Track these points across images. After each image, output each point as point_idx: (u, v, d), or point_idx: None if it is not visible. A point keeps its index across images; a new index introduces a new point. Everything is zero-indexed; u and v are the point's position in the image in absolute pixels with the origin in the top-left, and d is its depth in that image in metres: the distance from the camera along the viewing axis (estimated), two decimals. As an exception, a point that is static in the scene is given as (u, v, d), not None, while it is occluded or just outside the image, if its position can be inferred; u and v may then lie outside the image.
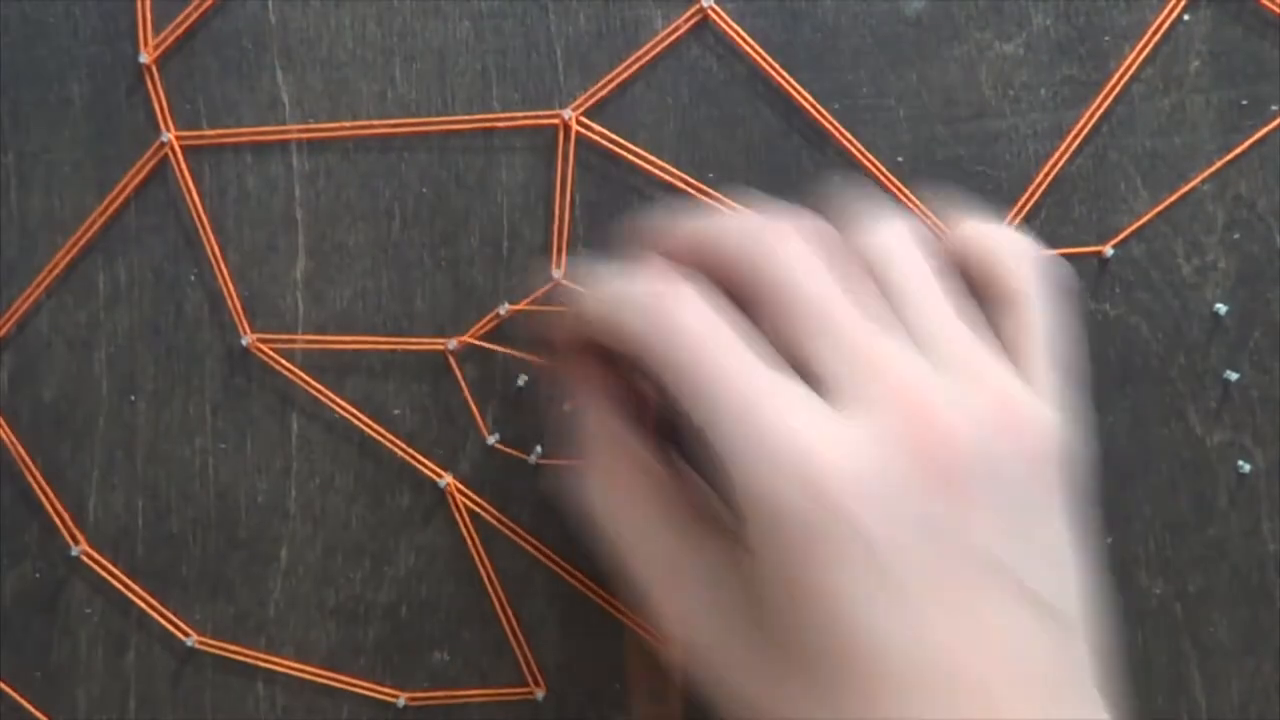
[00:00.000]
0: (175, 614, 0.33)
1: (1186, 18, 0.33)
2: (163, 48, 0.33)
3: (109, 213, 0.33)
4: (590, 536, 0.28)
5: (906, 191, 0.33)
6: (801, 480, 0.24)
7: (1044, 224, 0.33)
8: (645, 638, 0.32)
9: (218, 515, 0.33)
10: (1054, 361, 0.27)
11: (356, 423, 0.33)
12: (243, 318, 0.33)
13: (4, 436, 0.33)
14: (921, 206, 0.33)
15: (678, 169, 0.33)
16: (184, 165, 0.33)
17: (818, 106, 0.33)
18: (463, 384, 0.33)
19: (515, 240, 0.33)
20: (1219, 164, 0.33)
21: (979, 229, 0.29)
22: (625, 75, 0.33)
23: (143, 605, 0.33)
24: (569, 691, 0.33)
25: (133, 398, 0.33)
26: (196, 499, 0.33)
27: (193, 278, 0.33)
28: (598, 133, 0.33)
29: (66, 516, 0.33)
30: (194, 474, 0.33)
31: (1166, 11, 0.33)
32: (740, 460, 0.25)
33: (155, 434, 0.33)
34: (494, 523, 0.33)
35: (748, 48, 0.33)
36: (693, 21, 0.33)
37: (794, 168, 0.33)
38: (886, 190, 0.33)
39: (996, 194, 0.33)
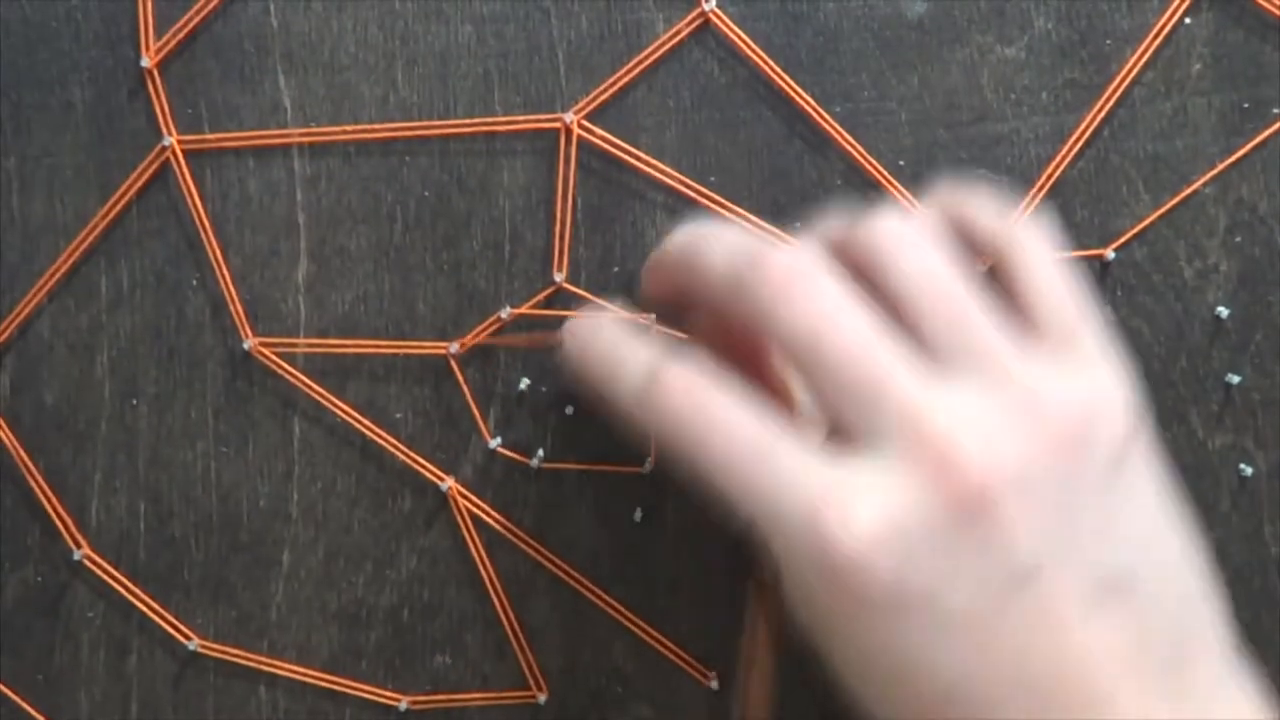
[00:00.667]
0: (177, 618, 0.33)
1: (1188, 21, 0.33)
2: (164, 51, 0.33)
3: (111, 217, 0.33)
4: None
5: (908, 195, 0.33)
6: (820, 544, 0.24)
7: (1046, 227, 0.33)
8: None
9: (220, 519, 0.33)
10: (1072, 314, 0.27)
11: (358, 426, 0.33)
12: (244, 321, 0.33)
13: (6, 440, 0.33)
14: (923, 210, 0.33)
15: (679, 172, 0.33)
16: (185, 169, 0.33)
17: (819, 110, 0.33)
18: (464, 387, 0.33)
19: (517, 243, 0.33)
20: (1220, 167, 0.33)
21: (952, 198, 0.29)
22: (627, 79, 0.33)
23: (144, 609, 0.33)
24: (570, 695, 0.33)
25: (134, 402, 0.33)
26: (198, 503, 0.33)
27: (194, 282, 0.33)
28: (599, 136, 0.33)
29: (68, 520, 0.33)
30: (196, 478, 0.33)
31: (1168, 15, 0.33)
32: (760, 521, 0.25)
33: (157, 438, 0.33)
34: (496, 526, 0.33)
35: (749, 51, 0.33)
36: (694, 25, 0.33)
37: (795, 171, 0.33)
38: (888, 194, 0.33)
39: (998, 198, 0.33)
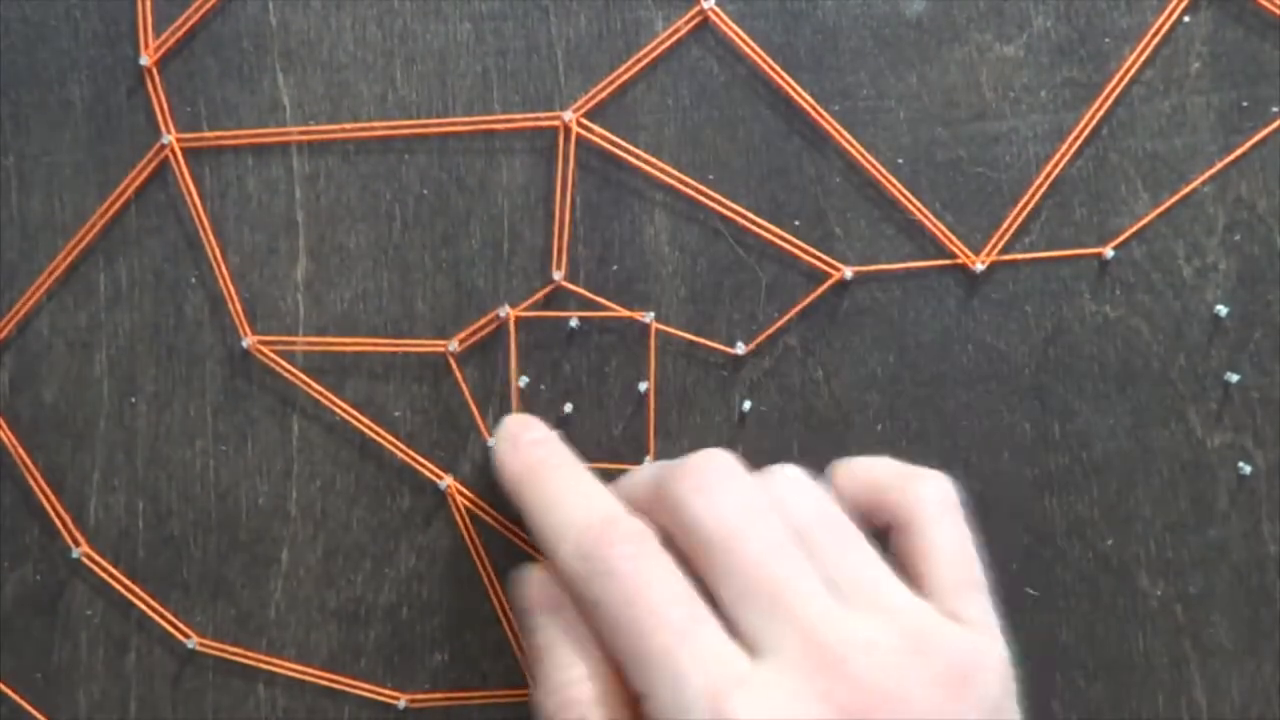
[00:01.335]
0: (176, 616, 0.33)
1: (1187, 19, 0.33)
2: (163, 50, 0.33)
3: (109, 215, 0.33)
4: None
5: (906, 193, 0.33)
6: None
7: (1044, 226, 0.33)
8: None
9: (218, 517, 0.33)
10: (961, 577, 0.28)
11: (357, 424, 0.33)
12: (243, 320, 0.33)
13: (5, 438, 0.33)
14: (921, 208, 0.33)
15: (678, 170, 0.33)
16: (184, 167, 0.33)
17: (818, 108, 0.33)
18: (463, 385, 0.33)
19: (516, 242, 0.33)
20: (1219, 165, 0.33)
21: (858, 464, 0.30)
22: (626, 77, 0.33)
23: (143, 607, 0.33)
24: (570, 693, 0.33)
25: (133, 400, 0.33)
26: (197, 501, 0.33)
27: (193, 280, 0.33)
28: (598, 134, 0.33)
29: (67, 519, 0.33)
30: (195, 476, 0.33)
31: (1167, 13, 0.33)
32: (660, 704, 0.25)
33: (156, 436, 0.33)
34: (494, 524, 0.33)
35: (748, 49, 0.33)
36: (693, 23, 0.33)
37: (794, 169, 0.33)
38: (887, 192, 0.33)
39: (996, 196, 0.33)
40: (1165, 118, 0.33)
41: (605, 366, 0.33)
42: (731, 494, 0.27)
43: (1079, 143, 0.33)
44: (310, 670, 0.33)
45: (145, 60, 0.33)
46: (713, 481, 0.27)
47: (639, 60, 0.33)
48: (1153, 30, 0.33)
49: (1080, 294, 0.33)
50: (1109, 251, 0.33)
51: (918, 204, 0.33)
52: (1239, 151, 0.33)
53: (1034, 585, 0.33)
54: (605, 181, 0.33)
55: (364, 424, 0.33)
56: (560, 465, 0.30)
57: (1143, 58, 0.33)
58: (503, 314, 0.33)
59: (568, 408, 0.33)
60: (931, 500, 0.29)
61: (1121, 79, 0.33)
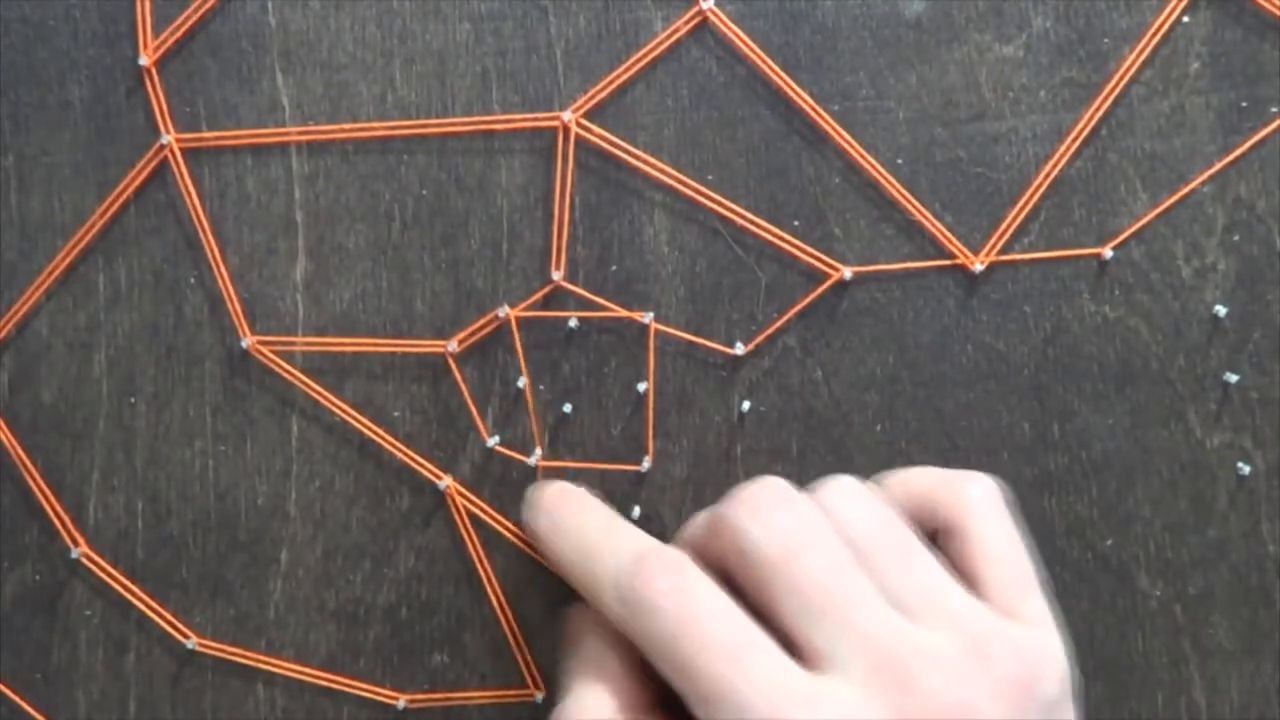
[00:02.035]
0: (175, 616, 0.33)
1: (1186, 19, 0.33)
2: (162, 50, 0.33)
3: (109, 215, 0.33)
4: None
5: (906, 193, 0.33)
6: None
7: (1043, 226, 0.33)
8: None
9: (218, 517, 0.33)
10: (1015, 575, 0.28)
11: (356, 425, 0.33)
12: (242, 320, 0.33)
13: (4, 438, 0.33)
14: (920, 208, 0.33)
15: (677, 170, 0.33)
16: (184, 167, 0.33)
17: (817, 108, 0.33)
18: (462, 386, 0.33)
19: (515, 242, 0.33)
20: (1218, 166, 0.33)
21: (903, 474, 0.31)
22: (625, 77, 0.33)
23: (143, 607, 0.33)
24: (569, 693, 0.33)
25: (132, 400, 0.33)
26: (196, 501, 0.33)
27: (192, 280, 0.33)
28: (597, 135, 0.33)
29: (66, 519, 0.33)
30: (194, 476, 0.33)
31: (1166, 13, 0.33)
32: (726, 701, 0.25)
33: (155, 436, 0.33)
34: (494, 525, 0.33)
35: (747, 50, 0.33)
36: (692, 23, 0.33)
37: (793, 169, 0.33)
38: (886, 192, 0.33)
39: (996, 196, 0.33)
40: (1164, 118, 0.33)
41: (604, 366, 0.33)
42: (786, 515, 0.27)
43: (1078, 143, 0.33)
44: (309, 670, 0.33)
45: (144, 60, 0.33)
46: (766, 505, 0.27)
47: (638, 60, 0.33)
48: (1152, 30, 0.33)
49: (1079, 294, 0.33)
50: (1108, 252, 0.33)
51: (917, 204, 0.33)
52: (1238, 152, 0.33)
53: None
54: (604, 181, 0.33)
55: (363, 424, 0.33)
56: (588, 515, 0.30)
57: (1142, 58, 0.33)
58: (502, 314, 0.33)
59: (567, 408, 0.33)
60: (979, 501, 0.29)
61: (1121, 79, 0.33)
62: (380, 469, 0.33)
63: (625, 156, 0.33)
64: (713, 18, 0.33)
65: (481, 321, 0.33)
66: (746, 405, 0.33)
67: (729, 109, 0.33)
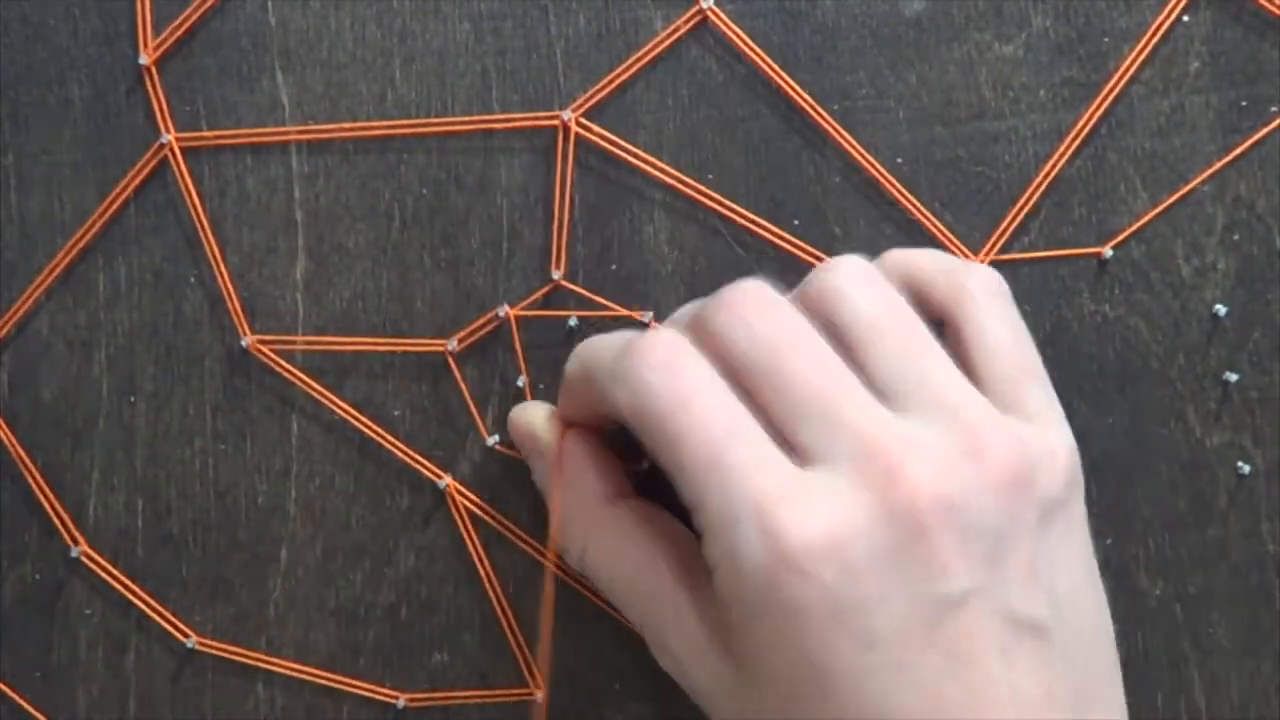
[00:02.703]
0: (175, 615, 0.33)
1: (1186, 19, 0.33)
2: (162, 49, 0.33)
3: (109, 214, 0.33)
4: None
5: (906, 192, 0.33)
6: (766, 540, 0.24)
7: (1043, 225, 0.33)
8: None
9: (217, 516, 0.33)
10: (1017, 366, 0.28)
11: (356, 424, 0.33)
12: (242, 319, 0.33)
13: (4, 437, 0.33)
14: (920, 207, 0.33)
15: (677, 170, 0.33)
16: (184, 166, 0.33)
17: (817, 107, 0.33)
18: (462, 385, 0.33)
19: (515, 241, 0.33)
20: (1218, 165, 0.33)
21: (903, 255, 0.29)
22: (625, 76, 0.33)
23: (142, 606, 0.33)
24: (568, 692, 0.33)
25: (132, 399, 0.33)
26: (196, 500, 0.33)
27: (192, 279, 0.33)
28: (597, 134, 0.33)
29: (66, 518, 0.33)
30: (194, 475, 0.33)
31: (1166, 13, 0.33)
32: (709, 514, 0.25)
33: (155, 435, 0.33)
34: (494, 524, 0.33)
35: (747, 49, 0.33)
36: (692, 23, 0.33)
37: (793, 168, 0.33)
38: (886, 191, 0.33)
39: (995, 195, 0.33)
40: (1164, 117, 0.33)
41: (604, 366, 0.33)
42: (769, 318, 0.26)
43: (1078, 142, 0.33)
44: (309, 669, 0.33)
45: (144, 59, 0.33)
46: (749, 308, 0.26)
47: (638, 60, 0.33)
48: (1152, 30, 0.33)
49: (1079, 293, 0.33)
50: (1108, 251, 0.33)
51: (917, 203, 0.33)
52: (1238, 151, 0.33)
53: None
54: (604, 181, 0.33)
55: (363, 423, 0.33)
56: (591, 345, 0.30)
57: (1142, 57, 0.33)
58: (502, 313, 0.33)
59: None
60: (980, 291, 0.28)
61: (1120, 78, 0.33)
62: (380, 468, 0.33)
63: (625, 156, 0.33)
64: (713, 17, 0.33)
65: (481, 321, 0.33)
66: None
67: (729, 108, 0.33)
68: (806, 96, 0.33)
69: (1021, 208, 0.33)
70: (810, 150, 0.33)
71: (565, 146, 0.33)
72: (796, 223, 0.33)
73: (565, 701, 0.33)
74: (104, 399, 0.33)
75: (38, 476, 0.33)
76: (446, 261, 0.33)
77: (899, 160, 0.33)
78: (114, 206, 0.33)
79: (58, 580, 0.33)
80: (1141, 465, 0.33)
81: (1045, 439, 0.27)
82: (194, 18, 0.33)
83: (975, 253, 0.33)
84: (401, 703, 0.33)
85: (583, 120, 0.33)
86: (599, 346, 0.29)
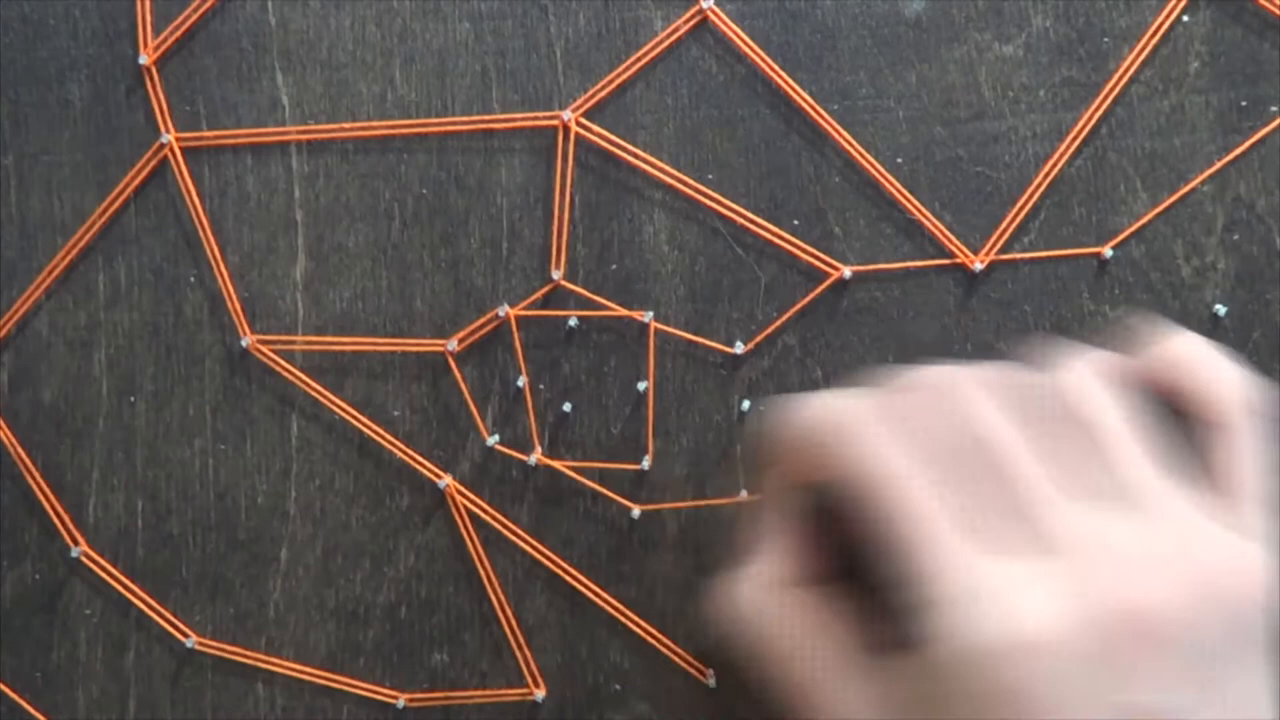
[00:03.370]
0: (175, 615, 0.33)
1: (1186, 19, 0.33)
2: (162, 49, 0.33)
3: (109, 214, 0.33)
4: (724, 639, 0.28)
5: (906, 192, 0.33)
6: (1003, 621, 0.24)
7: (1043, 225, 0.33)
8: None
9: (217, 516, 0.33)
10: (1263, 497, 0.27)
11: (356, 424, 0.33)
12: (242, 319, 0.33)
13: (4, 437, 0.33)
14: (920, 207, 0.33)
15: (677, 170, 0.33)
16: (184, 166, 0.33)
17: (817, 107, 0.33)
18: (462, 385, 0.33)
19: (515, 241, 0.33)
20: (1218, 165, 0.33)
21: (1186, 348, 0.29)
22: (625, 76, 0.33)
23: (142, 606, 0.33)
24: (568, 692, 0.33)
25: (132, 399, 0.33)
26: (196, 500, 0.33)
27: (192, 279, 0.33)
28: (597, 134, 0.33)
29: (66, 518, 0.33)
30: (194, 475, 0.33)
31: (1166, 13, 0.33)
32: (925, 588, 0.25)
33: (155, 435, 0.33)
34: (493, 524, 0.33)
35: (747, 49, 0.33)
36: (692, 23, 0.33)
37: (793, 168, 0.33)
38: (886, 191, 0.33)
39: (995, 195, 0.33)
40: (1164, 117, 0.33)
41: (604, 366, 0.33)
42: (980, 404, 0.26)
43: (1078, 142, 0.33)
44: (309, 669, 0.33)
45: (144, 59, 0.33)
46: (970, 400, 0.26)
47: (638, 60, 0.33)
48: (1152, 30, 0.33)
49: (1079, 293, 0.33)
50: (1108, 251, 0.33)
51: (916, 203, 0.33)
52: (1238, 151, 0.33)
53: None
54: (604, 181, 0.33)
55: (363, 423, 0.33)
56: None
57: (1142, 57, 0.33)
58: (502, 313, 0.33)
59: (566, 407, 0.33)
60: (1249, 411, 0.27)
61: (1120, 78, 0.33)
62: (380, 468, 0.33)
63: (625, 155, 0.33)
64: (713, 17, 0.33)
65: (481, 321, 0.33)
66: (746, 404, 0.33)
67: (729, 108, 0.33)
68: (806, 96, 0.33)
69: (1021, 208, 0.33)
70: (810, 150, 0.33)
71: (565, 146, 0.33)
72: (796, 223, 0.33)
73: (565, 701, 0.33)
74: (104, 399, 0.33)
75: (38, 476, 0.33)
76: (446, 261, 0.33)
77: (899, 160, 0.33)
78: (114, 206, 0.33)
79: (58, 580, 0.33)
80: (1141, 465, 0.33)
81: (1251, 557, 0.26)
82: (194, 18, 0.33)
83: (975, 252, 0.33)
84: (401, 702, 0.33)
85: (583, 120, 0.33)
86: (819, 424, 0.28)
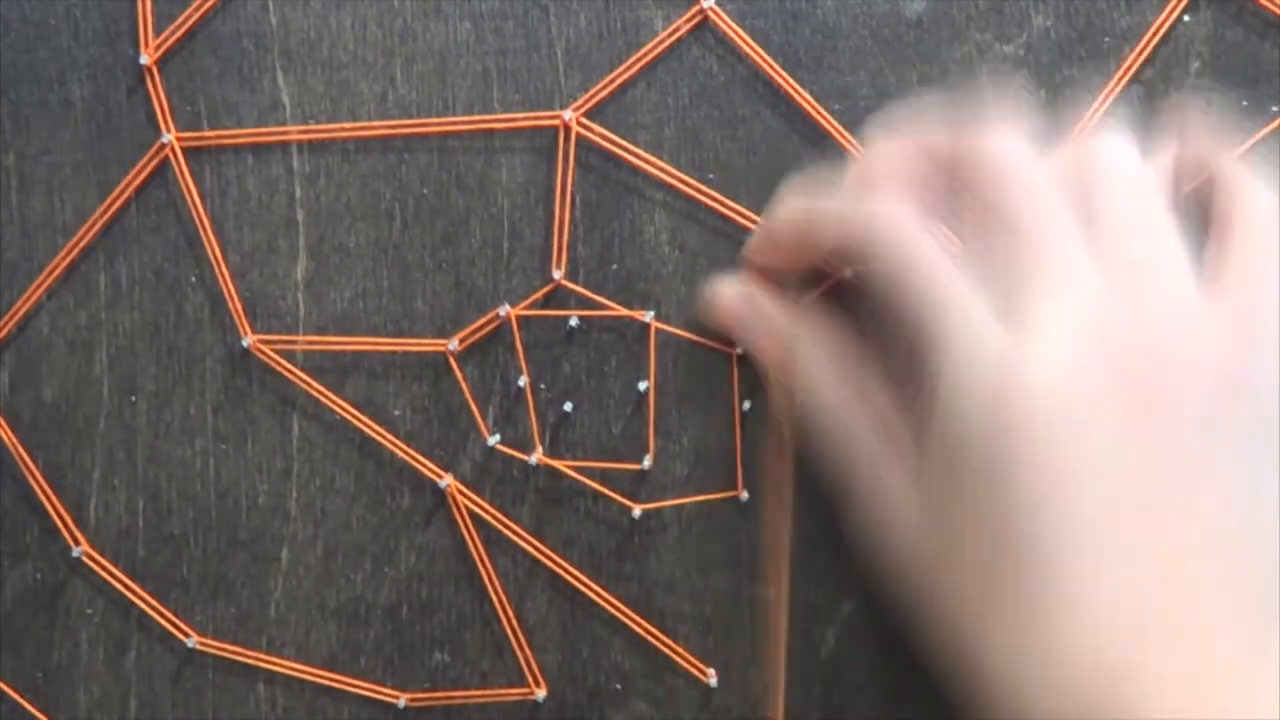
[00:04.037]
0: (176, 615, 0.33)
1: (1186, 19, 0.33)
2: (163, 49, 0.33)
3: (110, 214, 0.33)
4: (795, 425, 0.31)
5: (907, 192, 0.33)
6: (1000, 383, 0.25)
7: (1044, 225, 0.33)
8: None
9: (218, 516, 0.33)
10: (1261, 273, 0.27)
11: (357, 424, 0.33)
12: (243, 319, 0.33)
13: (5, 437, 0.33)
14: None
15: (678, 169, 0.33)
16: (184, 166, 0.33)
17: (818, 107, 0.33)
18: (463, 385, 0.33)
19: (515, 241, 0.33)
20: (1219, 165, 0.33)
21: (1207, 144, 0.29)
22: (626, 76, 0.33)
23: (143, 606, 0.33)
24: (569, 692, 0.33)
25: (133, 398, 0.33)
26: (197, 500, 0.33)
27: (193, 279, 0.33)
28: (598, 134, 0.33)
29: (67, 517, 0.33)
30: (195, 475, 0.33)
31: (1166, 13, 0.33)
32: (944, 353, 0.26)
33: (156, 435, 0.33)
34: (494, 523, 0.33)
35: (748, 48, 0.33)
36: (693, 22, 0.33)
37: (794, 168, 0.33)
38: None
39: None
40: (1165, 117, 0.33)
41: (605, 366, 0.33)
42: (1027, 169, 0.27)
43: (1079, 142, 0.33)
44: (310, 669, 0.33)
45: (145, 59, 0.33)
46: (1010, 155, 0.27)
47: (639, 59, 0.33)
48: (1152, 30, 0.33)
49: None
50: (1108, 251, 0.33)
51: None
52: (1238, 152, 0.33)
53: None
54: (605, 181, 0.33)
55: (364, 423, 0.33)
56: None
57: (1142, 57, 0.33)
58: (503, 313, 0.33)
59: (567, 407, 0.33)
60: (1267, 204, 0.28)
61: (1121, 79, 0.33)
62: (381, 468, 0.33)
63: (626, 155, 0.33)
64: (713, 17, 0.33)
65: (482, 320, 0.33)
66: (748, 405, 0.33)
67: (729, 108, 0.33)
68: (807, 96, 0.33)
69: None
70: (811, 150, 0.33)
71: (566, 146, 0.33)
72: (797, 223, 0.33)
73: (566, 701, 0.33)
74: (105, 399, 0.33)
75: (39, 476, 0.33)
76: (447, 261, 0.33)
77: (900, 160, 0.33)
78: (115, 206, 0.33)
79: (59, 580, 0.33)
80: (1142, 465, 0.33)
81: (1268, 352, 0.26)
82: (195, 17, 0.33)
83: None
84: (402, 702, 0.33)
85: (583, 120, 0.33)
86: (815, 197, 0.30)
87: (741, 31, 0.33)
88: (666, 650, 0.33)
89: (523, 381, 0.33)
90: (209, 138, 0.33)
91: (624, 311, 0.33)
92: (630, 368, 0.33)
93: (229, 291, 0.33)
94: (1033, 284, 0.26)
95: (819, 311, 0.31)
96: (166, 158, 0.33)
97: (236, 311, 0.33)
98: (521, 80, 0.33)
